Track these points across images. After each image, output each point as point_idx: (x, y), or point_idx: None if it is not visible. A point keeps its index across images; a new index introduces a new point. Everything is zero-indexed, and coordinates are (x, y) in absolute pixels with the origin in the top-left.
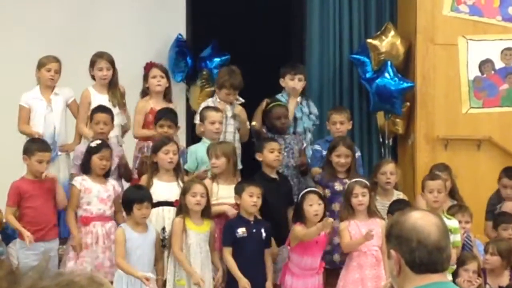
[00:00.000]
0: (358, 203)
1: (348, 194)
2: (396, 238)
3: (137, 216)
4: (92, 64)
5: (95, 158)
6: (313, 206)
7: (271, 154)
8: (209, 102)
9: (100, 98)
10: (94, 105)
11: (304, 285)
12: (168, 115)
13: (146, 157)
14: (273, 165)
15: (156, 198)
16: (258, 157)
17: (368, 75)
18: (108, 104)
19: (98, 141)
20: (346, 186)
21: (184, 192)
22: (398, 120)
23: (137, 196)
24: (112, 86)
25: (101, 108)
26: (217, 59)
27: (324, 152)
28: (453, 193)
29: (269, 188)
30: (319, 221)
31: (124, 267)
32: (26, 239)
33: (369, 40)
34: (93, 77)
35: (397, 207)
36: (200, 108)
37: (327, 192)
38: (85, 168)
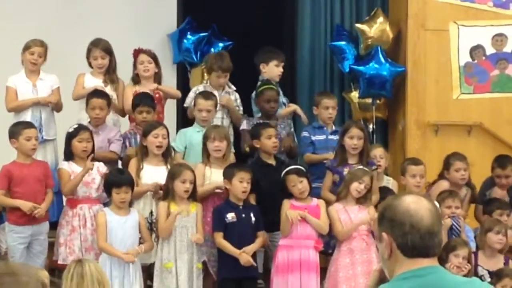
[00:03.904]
0: (359, 189)
1: (352, 179)
2: (388, 221)
3: (116, 200)
4: (88, 52)
5: (75, 142)
6: (296, 186)
7: (268, 141)
8: (200, 87)
9: (94, 81)
10: (87, 86)
11: (298, 255)
12: (144, 101)
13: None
14: (271, 152)
15: (144, 182)
16: (256, 144)
17: (348, 62)
18: (102, 87)
19: (75, 125)
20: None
21: (172, 176)
22: (380, 105)
23: (116, 180)
24: (110, 72)
25: (96, 93)
26: (220, 44)
27: (313, 138)
28: (468, 181)
29: (264, 174)
30: (308, 195)
31: (107, 249)
32: (27, 210)
33: (357, 25)
34: (90, 65)
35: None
36: (192, 92)
37: (337, 177)
38: (68, 154)
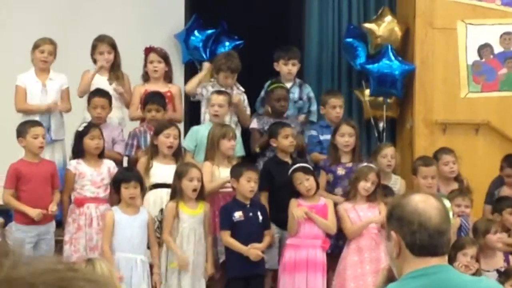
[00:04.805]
0: (366, 188)
1: (359, 178)
2: (397, 220)
3: (125, 196)
4: (93, 48)
5: (86, 140)
6: (302, 183)
7: (285, 140)
8: (208, 85)
9: (99, 78)
10: (93, 85)
11: (305, 255)
12: (154, 98)
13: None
14: (288, 151)
15: (154, 180)
16: (273, 142)
17: (360, 60)
18: (106, 84)
19: (85, 124)
20: (353, 169)
21: (179, 176)
22: (393, 104)
23: (124, 175)
24: (114, 69)
25: (98, 92)
26: (227, 43)
27: (321, 137)
28: (457, 175)
29: (279, 171)
30: (315, 193)
31: (107, 254)
32: (35, 216)
33: (365, 24)
34: (94, 61)
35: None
36: (199, 87)
37: (330, 176)
38: (78, 152)
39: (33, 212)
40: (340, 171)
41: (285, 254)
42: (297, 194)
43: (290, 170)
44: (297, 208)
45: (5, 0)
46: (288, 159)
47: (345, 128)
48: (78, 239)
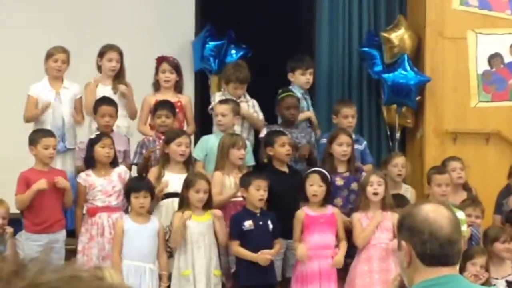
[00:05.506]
0: (374, 191)
1: (364, 184)
2: (408, 229)
3: (135, 205)
4: (102, 54)
5: (97, 148)
6: (313, 186)
7: (282, 148)
8: (219, 94)
9: (104, 88)
10: (97, 95)
11: (317, 266)
12: (164, 105)
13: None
14: (284, 160)
15: (166, 189)
16: (269, 151)
17: (377, 69)
18: (111, 93)
19: (97, 132)
20: (351, 179)
21: (187, 185)
22: (407, 113)
23: (134, 185)
24: (120, 78)
25: (105, 101)
26: (233, 51)
27: None
28: (465, 184)
29: (277, 181)
30: (322, 204)
31: (115, 261)
32: (40, 185)
33: (382, 33)
34: (99, 68)
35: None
36: (216, 96)
37: None
38: (89, 161)
39: (40, 184)
40: (339, 181)
41: (297, 265)
42: (303, 198)
43: (309, 171)
44: (300, 247)
45: (18, 7)
46: (285, 169)
47: (343, 138)
48: (91, 248)
